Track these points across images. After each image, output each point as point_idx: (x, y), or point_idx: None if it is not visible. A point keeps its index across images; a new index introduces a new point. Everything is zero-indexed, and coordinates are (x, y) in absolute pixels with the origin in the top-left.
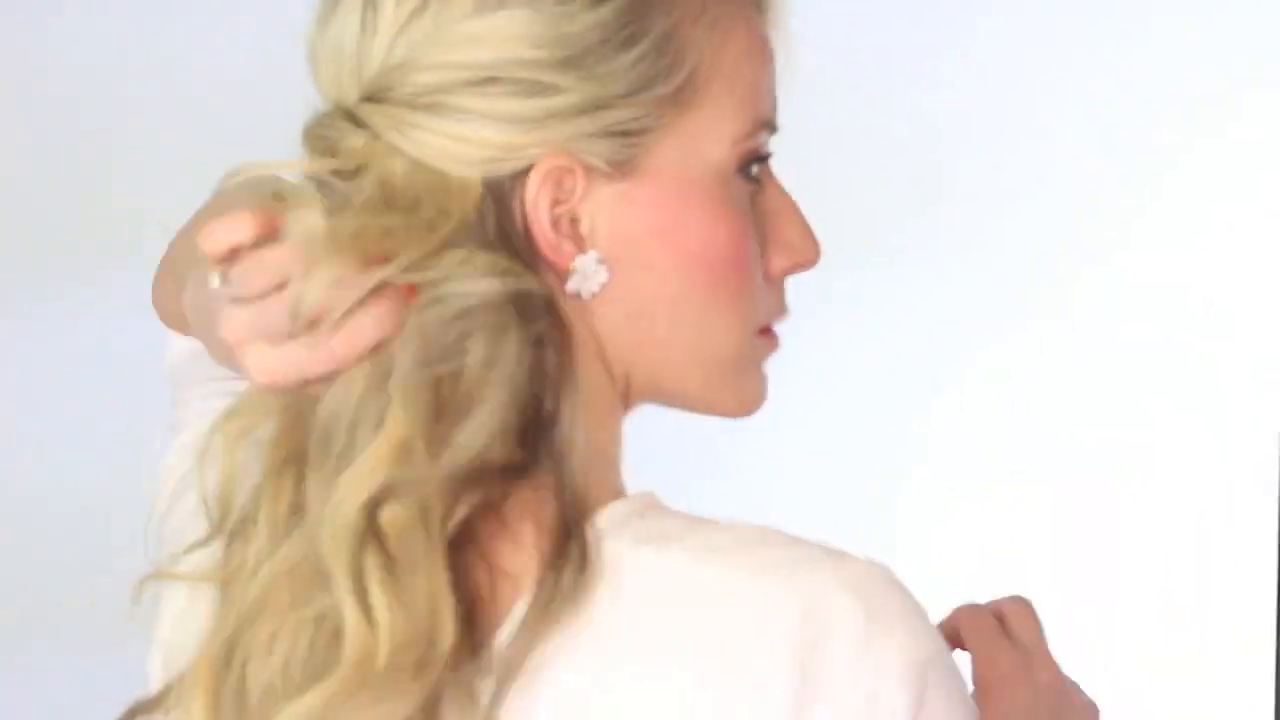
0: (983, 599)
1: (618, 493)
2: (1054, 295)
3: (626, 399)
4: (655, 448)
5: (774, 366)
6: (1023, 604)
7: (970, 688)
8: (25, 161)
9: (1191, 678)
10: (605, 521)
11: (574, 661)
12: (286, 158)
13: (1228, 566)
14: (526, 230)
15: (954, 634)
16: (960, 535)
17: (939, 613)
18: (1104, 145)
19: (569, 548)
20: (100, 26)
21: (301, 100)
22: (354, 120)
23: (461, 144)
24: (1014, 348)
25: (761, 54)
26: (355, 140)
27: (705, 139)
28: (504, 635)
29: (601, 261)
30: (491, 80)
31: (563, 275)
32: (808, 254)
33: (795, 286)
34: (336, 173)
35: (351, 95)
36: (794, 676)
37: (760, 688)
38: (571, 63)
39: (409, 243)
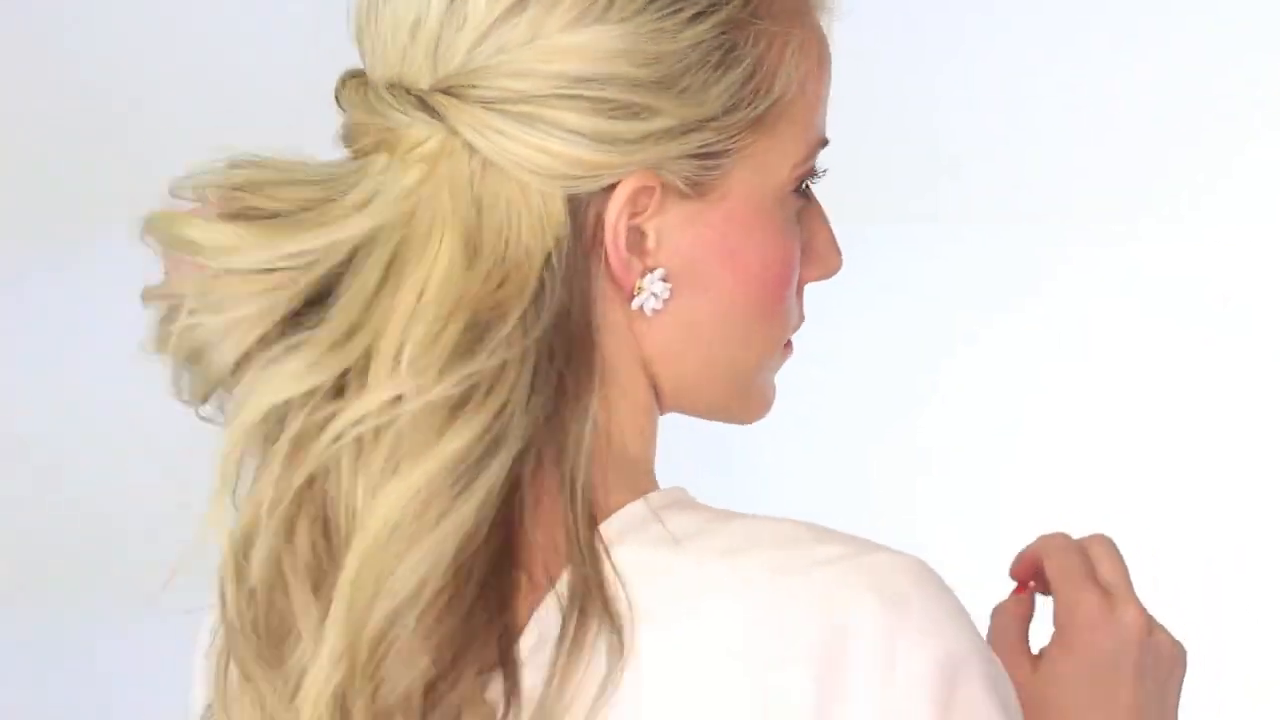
0: (993, 574)
1: (642, 492)
2: (1066, 289)
3: (661, 405)
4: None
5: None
6: (1107, 542)
7: (1010, 687)
8: (33, 129)
9: (1194, 671)
10: (619, 525)
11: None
12: (282, 116)
13: (1238, 558)
14: (597, 244)
15: (1035, 570)
16: (967, 526)
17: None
18: (1119, 128)
19: (589, 600)
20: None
21: (303, 65)
22: (426, 108)
23: (550, 159)
24: (1021, 333)
25: (826, 70)
26: (424, 131)
27: (774, 161)
28: (526, 646)
29: (665, 279)
30: (589, 96)
31: (627, 290)
32: (834, 264)
33: None
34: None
35: (423, 79)
36: (817, 678)
37: (781, 692)
38: (669, 82)
39: (492, 324)
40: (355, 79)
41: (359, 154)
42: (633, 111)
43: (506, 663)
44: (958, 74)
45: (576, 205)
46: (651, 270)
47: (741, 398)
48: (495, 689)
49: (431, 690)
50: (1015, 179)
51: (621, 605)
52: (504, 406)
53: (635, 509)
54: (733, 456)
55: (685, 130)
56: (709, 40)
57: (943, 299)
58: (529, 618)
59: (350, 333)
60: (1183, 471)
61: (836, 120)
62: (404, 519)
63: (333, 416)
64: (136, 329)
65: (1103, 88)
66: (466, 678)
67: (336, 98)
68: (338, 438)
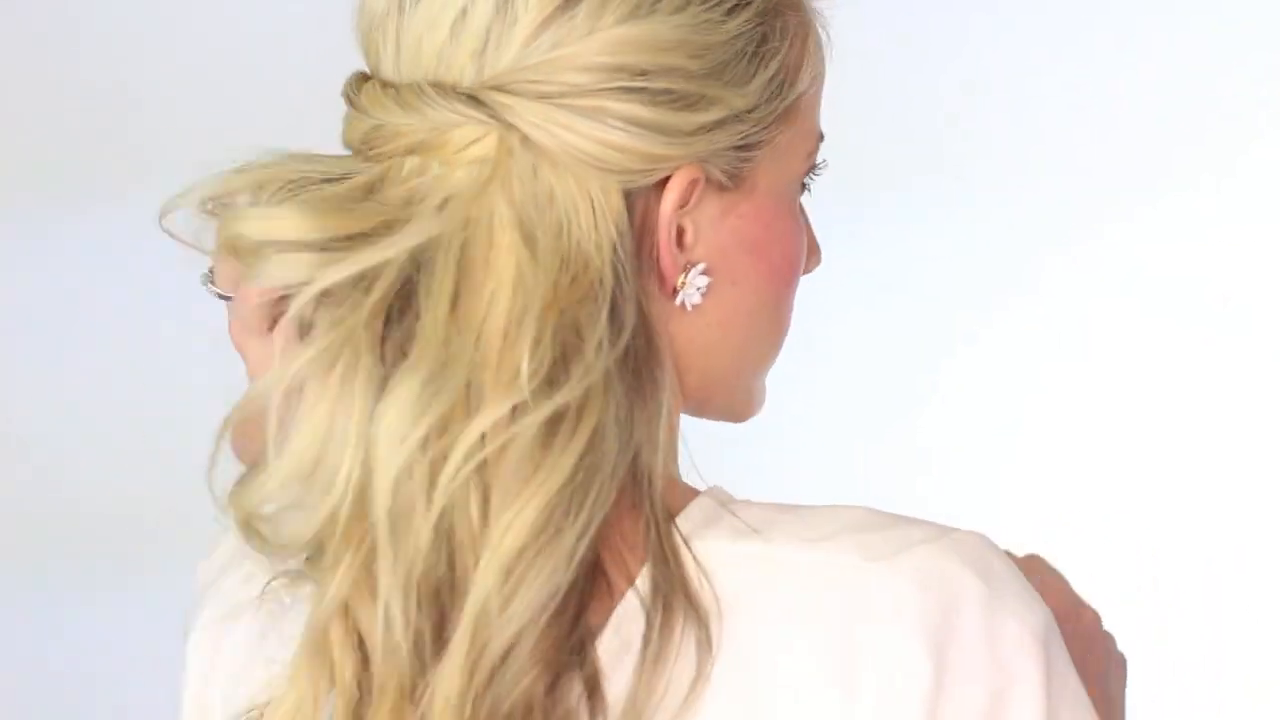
0: None
1: (687, 490)
2: (1067, 288)
3: (686, 402)
4: None
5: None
6: (1040, 559)
7: None
8: (32, 129)
9: (1194, 671)
10: (690, 522)
11: (707, 692)
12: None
13: (1238, 558)
14: (645, 240)
15: None
16: (966, 526)
17: None
18: (1120, 128)
19: (673, 595)
20: None
21: (303, 65)
22: (479, 106)
23: (613, 152)
24: (1021, 332)
25: (824, 64)
26: (476, 131)
27: (791, 154)
28: (603, 649)
29: (704, 273)
30: (650, 88)
31: (670, 285)
32: (817, 259)
33: None
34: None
35: (465, 77)
36: (932, 655)
37: (899, 669)
38: (718, 73)
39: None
40: (373, 80)
41: (380, 158)
42: (689, 103)
43: (588, 668)
44: (960, 72)
45: (630, 200)
46: (694, 265)
47: (746, 395)
48: (576, 694)
49: (537, 700)
50: (1016, 178)
51: (707, 599)
52: (600, 421)
53: (703, 503)
54: (732, 456)
55: (733, 121)
56: (747, 31)
57: (943, 298)
58: (605, 620)
59: (440, 364)
60: (1182, 471)
61: (839, 117)
62: (528, 543)
63: (445, 455)
64: (139, 329)
65: (1105, 87)
66: (561, 685)
67: (349, 101)
68: (456, 473)
